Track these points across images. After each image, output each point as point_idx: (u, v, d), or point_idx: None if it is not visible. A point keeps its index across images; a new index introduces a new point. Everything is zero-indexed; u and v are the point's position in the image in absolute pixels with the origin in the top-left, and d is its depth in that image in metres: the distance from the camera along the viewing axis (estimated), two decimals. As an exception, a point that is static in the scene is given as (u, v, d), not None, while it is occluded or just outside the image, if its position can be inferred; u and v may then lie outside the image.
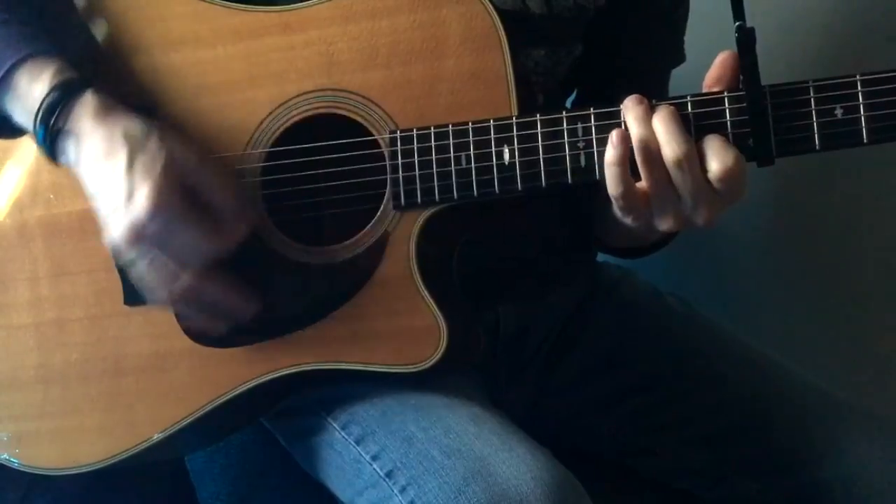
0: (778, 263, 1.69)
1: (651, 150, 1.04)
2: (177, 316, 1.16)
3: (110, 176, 1.06)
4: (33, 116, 1.09)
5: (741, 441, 1.27)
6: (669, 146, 1.03)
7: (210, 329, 1.14)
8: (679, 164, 1.03)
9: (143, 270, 1.08)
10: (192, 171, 1.08)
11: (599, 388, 1.35)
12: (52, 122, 1.08)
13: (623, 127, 1.06)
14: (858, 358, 1.63)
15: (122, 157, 1.06)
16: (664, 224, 1.07)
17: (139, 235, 1.05)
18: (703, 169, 1.03)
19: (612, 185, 1.05)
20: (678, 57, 1.36)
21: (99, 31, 1.18)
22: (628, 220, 1.08)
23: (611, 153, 1.05)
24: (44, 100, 1.08)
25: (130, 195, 1.05)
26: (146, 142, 1.07)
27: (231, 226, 1.09)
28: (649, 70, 1.33)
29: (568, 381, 1.36)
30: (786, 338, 1.59)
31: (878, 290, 1.64)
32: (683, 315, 1.39)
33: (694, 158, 1.03)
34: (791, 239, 1.68)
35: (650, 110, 1.05)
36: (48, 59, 1.10)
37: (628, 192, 1.05)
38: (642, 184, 1.05)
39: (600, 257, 1.41)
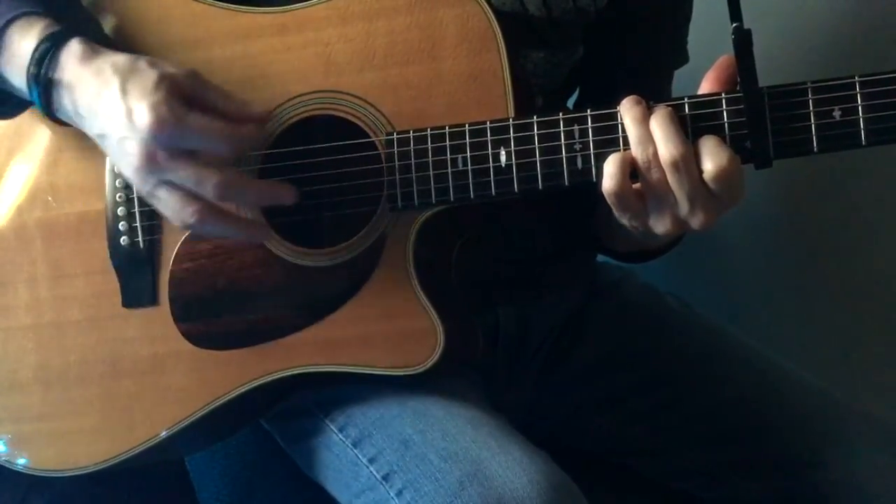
0: (778, 264, 1.68)
1: (648, 151, 1.03)
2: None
3: (108, 107, 1.05)
4: (25, 71, 1.09)
5: (741, 442, 1.27)
6: (666, 147, 1.03)
7: (250, 235, 1.12)
8: (675, 165, 1.02)
9: (168, 193, 1.06)
10: (186, 81, 1.06)
11: (599, 388, 1.35)
12: (41, 73, 1.08)
13: (620, 127, 1.05)
14: (858, 358, 1.63)
15: (114, 85, 1.05)
16: (661, 226, 1.06)
17: (151, 154, 1.04)
18: (700, 170, 1.03)
19: (609, 183, 1.05)
20: (681, 58, 1.35)
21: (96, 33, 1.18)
22: (625, 221, 1.08)
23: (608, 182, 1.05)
24: (33, 52, 1.08)
25: (130, 116, 1.04)
26: (136, 66, 1.06)
27: (239, 120, 1.07)
28: (652, 72, 1.33)
29: (568, 381, 1.35)
30: (786, 338, 1.59)
31: (879, 289, 1.64)
32: (683, 315, 1.39)
33: (690, 160, 1.02)
34: (791, 239, 1.68)
35: (648, 111, 1.04)
36: (38, 17, 1.10)
37: (624, 192, 1.05)
38: (638, 185, 1.05)
39: (600, 257, 1.40)
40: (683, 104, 1.05)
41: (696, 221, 1.05)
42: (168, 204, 1.06)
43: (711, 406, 1.30)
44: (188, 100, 1.06)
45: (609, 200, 1.06)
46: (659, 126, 1.03)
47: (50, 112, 1.10)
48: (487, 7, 1.10)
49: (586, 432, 1.36)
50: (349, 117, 1.13)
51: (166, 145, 1.04)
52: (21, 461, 1.20)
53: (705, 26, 1.30)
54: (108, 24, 1.18)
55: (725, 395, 1.30)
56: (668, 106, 1.04)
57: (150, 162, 1.04)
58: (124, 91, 1.05)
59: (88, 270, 1.19)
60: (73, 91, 1.08)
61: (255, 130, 1.08)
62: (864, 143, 1.02)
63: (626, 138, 1.05)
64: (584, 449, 1.35)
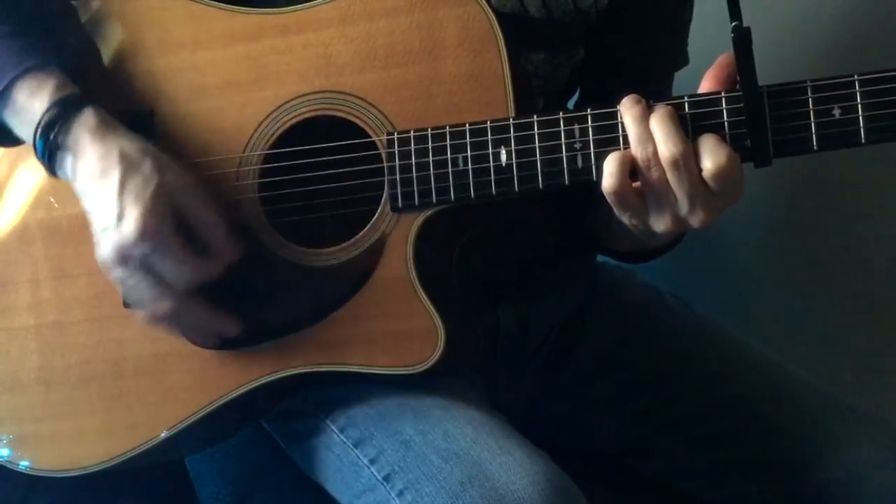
0: (778, 263, 1.69)
1: (648, 149, 1.03)
2: None
3: (103, 196, 1.08)
4: (33, 131, 1.10)
5: (741, 442, 1.27)
6: (666, 145, 1.03)
7: (197, 342, 1.15)
8: (675, 163, 1.03)
9: (130, 289, 1.10)
10: (183, 198, 1.09)
11: (599, 388, 1.35)
12: (50, 137, 1.10)
13: (620, 126, 1.06)
14: (858, 358, 1.63)
15: (115, 177, 1.07)
16: (660, 224, 1.07)
17: (125, 257, 1.07)
18: (699, 168, 1.03)
19: (609, 182, 1.05)
20: (682, 59, 1.35)
21: (98, 34, 1.19)
22: (625, 219, 1.08)
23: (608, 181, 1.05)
24: (43, 116, 1.09)
25: (120, 217, 1.07)
26: (140, 164, 1.08)
27: (216, 256, 1.11)
28: (653, 73, 1.33)
29: (568, 381, 1.36)
30: (785, 338, 1.58)
31: (879, 289, 1.64)
32: (683, 315, 1.39)
33: (690, 158, 1.03)
34: (791, 239, 1.68)
35: (647, 110, 1.04)
36: (47, 73, 1.11)
37: (624, 191, 1.05)
38: (638, 183, 1.05)
39: (600, 257, 1.40)
40: (683, 103, 1.05)
41: (695, 220, 1.05)
42: (131, 297, 1.12)
43: (712, 406, 1.30)
44: (180, 214, 1.08)
45: (609, 199, 1.06)
46: (658, 125, 1.03)
47: (51, 170, 1.12)
48: (488, 8, 1.11)
49: (586, 432, 1.36)
50: (350, 118, 1.13)
51: (141, 255, 1.07)
52: (23, 462, 1.20)
53: (705, 26, 1.30)
54: (109, 25, 1.18)
55: (725, 395, 1.30)
56: (668, 105, 1.04)
57: (121, 262, 1.08)
58: (122, 188, 1.07)
59: (90, 271, 1.18)
60: (77, 161, 1.10)
61: (219, 272, 1.11)
62: (863, 141, 1.02)
63: (626, 137, 1.05)
64: (585, 449, 1.35)
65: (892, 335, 1.63)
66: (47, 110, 1.09)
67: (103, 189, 1.08)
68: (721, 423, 1.29)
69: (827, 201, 1.61)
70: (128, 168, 1.07)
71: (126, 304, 1.18)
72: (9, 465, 1.20)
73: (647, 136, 1.03)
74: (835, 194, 1.59)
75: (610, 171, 1.05)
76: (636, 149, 1.04)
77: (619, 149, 1.06)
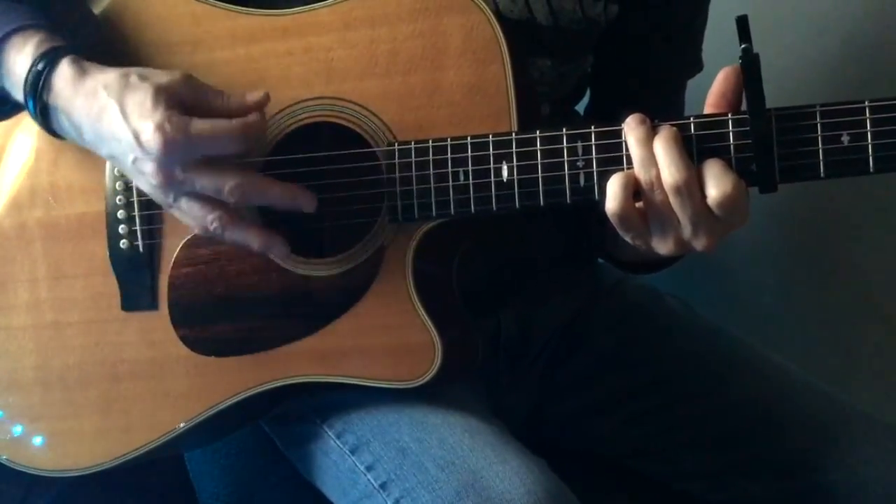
0: (778, 265, 1.68)
1: (651, 173, 1.02)
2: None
3: (112, 133, 1.05)
4: (22, 92, 1.09)
5: (743, 443, 1.27)
6: (669, 171, 1.01)
7: (271, 247, 1.10)
8: (678, 189, 1.01)
9: (188, 202, 1.07)
10: (182, 88, 1.06)
11: (601, 390, 1.34)
12: (36, 97, 1.08)
13: (624, 145, 1.04)
14: (860, 360, 1.62)
15: (112, 109, 1.05)
16: (663, 247, 1.05)
17: (169, 173, 1.04)
18: (703, 195, 1.01)
19: (612, 203, 1.03)
20: (696, 66, 1.33)
21: (97, 33, 1.17)
22: (628, 238, 1.07)
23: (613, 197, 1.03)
24: (27, 74, 1.08)
25: (138, 139, 1.04)
26: (126, 84, 1.06)
27: (246, 111, 1.07)
28: (666, 80, 1.31)
29: (569, 383, 1.35)
30: (786, 339, 1.58)
31: (879, 290, 1.63)
32: (684, 316, 1.38)
33: (694, 185, 1.01)
34: (791, 240, 1.67)
35: (651, 131, 1.02)
36: (34, 31, 1.09)
37: (627, 213, 1.04)
38: (641, 205, 1.04)
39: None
40: (689, 124, 1.03)
41: (699, 244, 1.04)
42: (189, 213, 1.07)
43: (713, 407, 1.29)
44: (187, 106, 1.05)
45: (612, 220, 1.05)
46: (663, 148, 1.01)
47: (51, 132, 1.10)
48: (493, 17, 1.08)
49: (588, 434, 1.36)
50: (350, 125, 1.12)
51: (181, 160, 1.04)
52: (20, 461, 1.21)
53: (720, 31, 1.27)
54: (109, 25, 1.16)
55: (727, 397, 1.29)
56: (673, 126, 1.02)
57: (169, 179, 1.05)
58: (124, 113, 1.04)
59: (88, 272, 1.19)
60: (72, 117, 1.08)
61: (261, 117, 1.08)
62: (872, 170, 0.99)
63: (629, 157, 1.03)
64: (586, 451, 1.35)
65: (893, 335, 1.62)
66: (30, 69, 1.08)
67: (109, 125, 1.05)
68: (722, 424, 1.28)
69: (827, 201, 1.59)
70: (118, 95, 1.05)
71: (124, 307, 1.18)
72: (6, 464, 1.21)
73: (651, 160, 1.01)
74: (835, 194, 1.57)
75: (613, 193, 1.03)
76: (639, 171, 1.02)
77: (623, 168, 1.04)
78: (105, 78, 1.07)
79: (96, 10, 1.18)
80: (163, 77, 1.06)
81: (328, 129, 1.13)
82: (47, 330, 1.20)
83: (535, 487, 1.07)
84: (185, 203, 1.07)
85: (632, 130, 1.03)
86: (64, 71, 1.08)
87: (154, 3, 1.17)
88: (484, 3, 1.08)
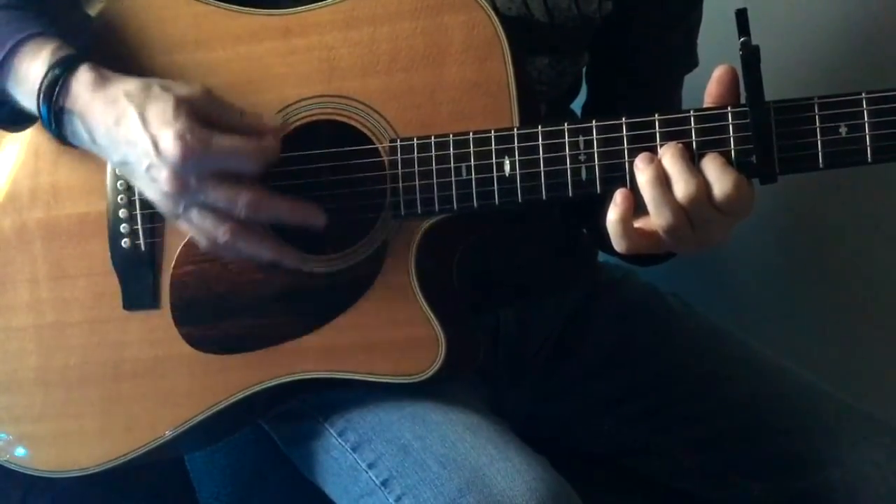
0: (778, 263, 1.68)
1: (667, 218, 1.02)
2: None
3: (129, 139, 1.06)
4: (35, 98, 1.09)
5: (742, 442, 1.27)
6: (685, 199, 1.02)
7: (281, 259, 1.11)
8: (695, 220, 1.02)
9: (199, 214, 1.08)
10: (203, 102, 1.07)
11: (600, 388, 1.35)
12: (52, 100, 1.08)
13: (625, 139, 1.04)
14: (860, 358, 1.63)
15: (132, 116, 1.06)
16: (682, 248, 1.06)
17: (183, 180, 1.05)
18: (710, 198, 1.02)
19: (617, 239, 1.05)
20: (691, 62, 1.34)
21: (99, 32, 1.17)
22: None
23: (614, 211, 1.04)
24: (42, 80, 1.08)
25: (157, 146, 1.04)
26: (148, 93, 1.07)
27: (264, 132, 1.09)
28: (662, 76, 1.32)
29: (569, 382, 1.35)
30: (786, 338, 1.58)
31: (879, 289, 1.64)
32: (684, 315, 1.39)
33: (710, 210, 1.02)
34: (791, 239, 1.68)
35: (663, 170, 1.02)
36: (46, 38, 1.10)
37: (632, 241, 1.05)
38: (651, 223, 1.04)
39: (601, 257, 1.40)
40: (689, 117, 1.04)
41: (714, 240, 1.05)
42: (199, 225, 1.08)
43: (713, 406, 1.30)
44: (206, 120, 1.06)
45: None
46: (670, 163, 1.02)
47: (62, 137, 1.11)
48: (493, 14, 1.09)
49: (587, 432, 1.36)
50: (353, 123, 1.12)
51: (196, 170, 1.05)
52: (21, 461, 1.20)
53: (715, 28, 1.28)
54: (110, 25, 1.17)
55: (726, 395, 1.30)
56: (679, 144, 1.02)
57: (182, 188, 1.05)
58: (144, 120, 1.05)
59: (89, 272, 1.18)
60: (87, 120, 1.08)
61: (276, 141, 1.09)
62: (870, 160, 1.01)
63: (630, 151, 1.04)
64: (585, 449, 1.36)
65: (893, 335, 1.63)
66: (46, 74, 1.08)
67: (128, 131, 1.06)
68: (722, 423, 1.29)
69: (827, 201, 1.60)
70: (140, 102, 1.06)
71: (126, 307, 1.18)
72: (7, 465, 1.20)
73: (665, 200, 1.02)
74: (835, 194, 1.58)
75: (615, 234, 1.05)
76: (655, 217, 1.03)
77: (624, 161, 1.04)
78: (126, 86, 1.08)
79: (97, 9, 1.18)
80: (184, 89, 1.07)
81: (330, 127, 1.13)
82: (48, 330, 1.20)
83: (538, 485, 1.07)
84: (195, 214, 1.08)
85: (640, 172, 1.03)
86: (83, 76, 1.09)
87: (155, 3, 1.17)
88: (484, 1, 1.09)
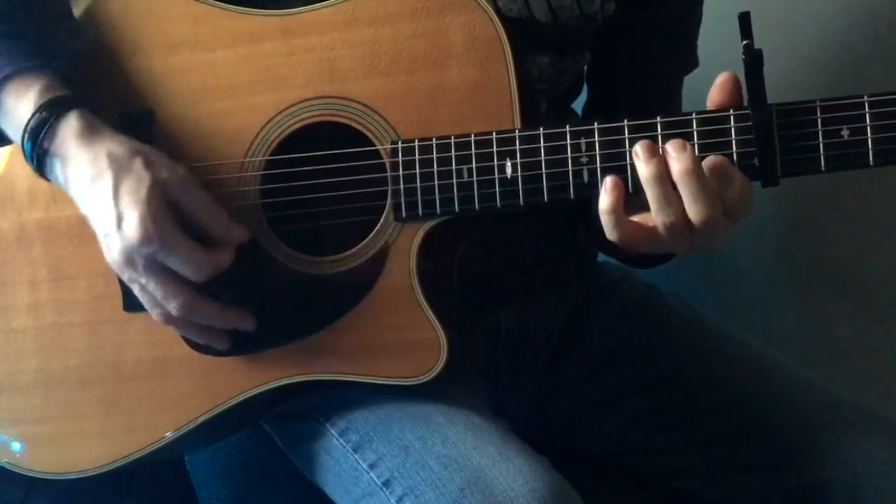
0: (778, 263, 1.68)
1: (670, 217, 1.02)
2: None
3: (99, 201, 1.07)
4: (20, 135, 1.09)
5: (743, 441, 1.28)
6: (694, 210, 1.02)
7: (211, 344, 1.14)
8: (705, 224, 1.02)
9: (142, 289, 1.10)
10: (179, 191, 1.08)
11: (600, 388, 1.35)
12: (37, 142, 1.09)
13: (627, 141, 1.04)
14: (860, 357, 1.63)
15: (107, 181, 1.07)
16: (679, 248, 1.06)
17: (132, 259, 1.07)
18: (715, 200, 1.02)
19: (609, 229, 1.05)
20: (691, 63, 1.34)
21: (97, 32, 1.17)
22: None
23: (605, 200, 1.04)
24: (29, 120, 1.09)
25: (120, 221, 1.06)
26: (131, 164, 1.07)
27: (223, 242, 1.10)
28: (662, 77, 1.32)
29: (569, 381, 1.36)
30: (786, 337, 1.59)
31: (880, 288, 1.64)
32: (684, 315, 1.39)
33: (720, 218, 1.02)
34: (791, 239, 1.68)
35: (666, 167, 1.02)
36: (35, 75, 1.10)
37: (625, 233, 1.05)
38: (651, 220, 1.04)
39: (601, 257, 1.40)
40: (691, 119, 1.04)
41: (713, 244, 1.05)
42: (140, 297, 1.11)
43: (712, 405, 1.30)
44: (176, 204, 1.07)
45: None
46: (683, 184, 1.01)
47: (42, 174, 1.11)
48: (495, 15, 1.09)
49: (587, 432, 1.36)
50: (353, 124, 1.12)
51: (146, 257, 1.07)
52: (21, 463, 1.20)
53: (715, 29, 1.28)
54: (107, 24, 1.16)
55: (726, 395, 1.30)
56: (689, 157, 1.01)
57: (129, 266, 1.08)
58: (116, 193, 1.06)
59: (89, 273, 1.18)
60: (66, 169, 1.09)
61: (229, 256, 1.10)
62: (871, 163, 1.01)
63: (632, 153, 1.04)
64: (586, 449, 1.36)
65: (893, 335, 1.63)
66: (33, 114, 1.09)
67: (98, 194, 1.07)
68: (722, 423, 1.29)
69: (827, 200, 1.60)
70: (119, 170, 1.07)
71: (126, 308, 1.17)
72: (7, 467, 1.20)
73: (669, 199, 1.02)
74: (835, 193, 1.58)
75: (607, 224, 1.04)
76: (657, 214, 1.02)
77: (626, 164, 1.04)
78: (112, 146, 1.08)
79: (82, 8, 1.18)
80: (164, 171, 1.08)
81: (331, 129, 1.13)
82: (48, 331, 1.20)
83: (539, 485, 1.07)
84: (137, 289, 1.11)
85: (644, 164, 1.02)
86: (72, 122, 1.09)
87: (154, 3, 1.17)
88: (485, 2, 1.09)
